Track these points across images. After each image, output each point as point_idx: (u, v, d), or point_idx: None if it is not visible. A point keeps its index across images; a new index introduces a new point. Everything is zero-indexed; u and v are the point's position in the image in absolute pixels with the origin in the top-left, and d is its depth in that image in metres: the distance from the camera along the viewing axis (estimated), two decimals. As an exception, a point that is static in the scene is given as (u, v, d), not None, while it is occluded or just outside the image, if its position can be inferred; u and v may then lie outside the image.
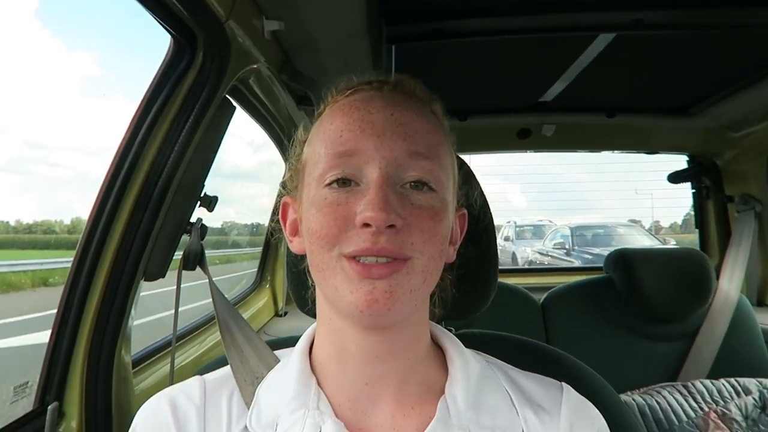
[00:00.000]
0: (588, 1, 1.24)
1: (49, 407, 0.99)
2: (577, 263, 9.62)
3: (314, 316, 0.72)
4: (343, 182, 0.55)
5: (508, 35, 1.35)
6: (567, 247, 11.55)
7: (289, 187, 0.68)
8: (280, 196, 0.70)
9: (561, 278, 2.77)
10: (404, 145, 0.55)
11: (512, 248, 14.55)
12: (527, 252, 13.59)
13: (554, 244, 12.31)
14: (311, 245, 0.56)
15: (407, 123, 0.57)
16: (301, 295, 0.77)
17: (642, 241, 10.99)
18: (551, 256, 11.92)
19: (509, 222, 17.02)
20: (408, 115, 0.57)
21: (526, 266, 11.04)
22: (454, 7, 1.27)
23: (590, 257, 9.91)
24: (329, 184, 0.55)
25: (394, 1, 1.22)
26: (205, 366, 0.79)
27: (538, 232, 15.55)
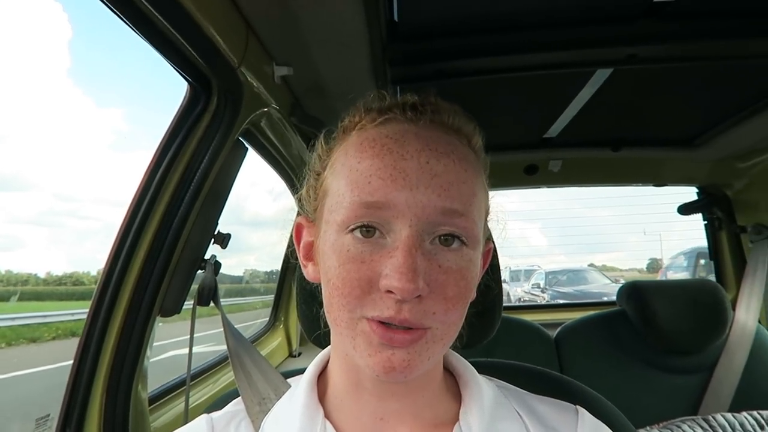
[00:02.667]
0: (582, 39, 1.28)
1: (68, 441, 1.01)
2: (548, 298, 12.72)
3: (322, 344, 0.73)
4: (368, 229, 0.52)
5: (506, 74, 1.40)
6: (542, 286, 14.59)
7: (305, 207, 0.65)
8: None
9: (573, 314, 2.74)
10: (438, 201, 0.51)
11: (507, 289, 17.98)
12: (518, 291, 16.80)
13: (532, 285, 15.69)
14: (330, 297, 0.54)
15: (443, 173, 0.53)
16: (311, 319, 0.78)
17: (598, 279, 14.24)
18: (531, 294, 15.07)
19: (505, 267, 21.04)
20: (444, 163, 0.53)
21: (518, 303, 13.16)
22: (455, 48, 1.32)
23: (557, 293, 12.83)
24: (352, 231, 0.53)
25: (396, 44, 1.28)
26: (216, 400, 0.81)
27: (528, 274, 18.92)
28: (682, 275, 9.92)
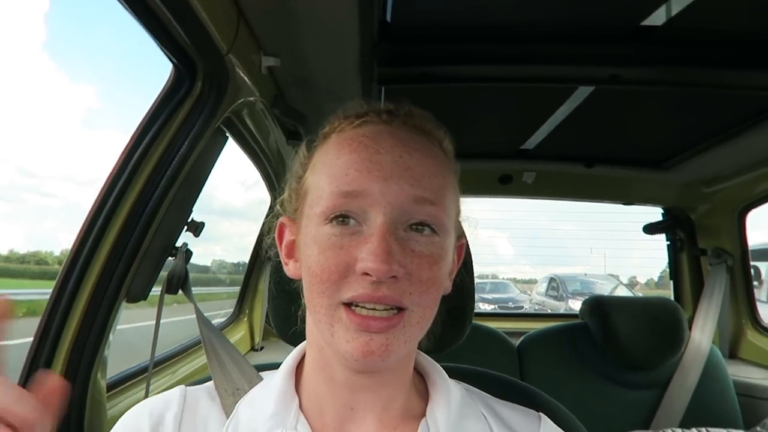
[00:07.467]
0: (568, 55, 1.31)
1: (20, 426, 0.97)
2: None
3: (294, 342, 0.73)
4: (345, 218, 0.55)
5: (491, 83, 1.42)
6: (470, 291, 16.50)
7: (287, 208, 0.67)
8: (276, 216, 0.69)
9: (537, 324, 2.80)
10: (411, 191, 0.55)
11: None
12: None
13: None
14: (310, 286, 0.56)
15: (415, 166, 0.56)
16: (285, 316, 0.78)
17: (513, 289, 16.35)
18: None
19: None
20: (416, 157, 0.57)
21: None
22: (443, 53, 1.33)
23: (478, 298, 14.66)
24: (331, 221, 0.55)
25: (387, 44, 1.28)
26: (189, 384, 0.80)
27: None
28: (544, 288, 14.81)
